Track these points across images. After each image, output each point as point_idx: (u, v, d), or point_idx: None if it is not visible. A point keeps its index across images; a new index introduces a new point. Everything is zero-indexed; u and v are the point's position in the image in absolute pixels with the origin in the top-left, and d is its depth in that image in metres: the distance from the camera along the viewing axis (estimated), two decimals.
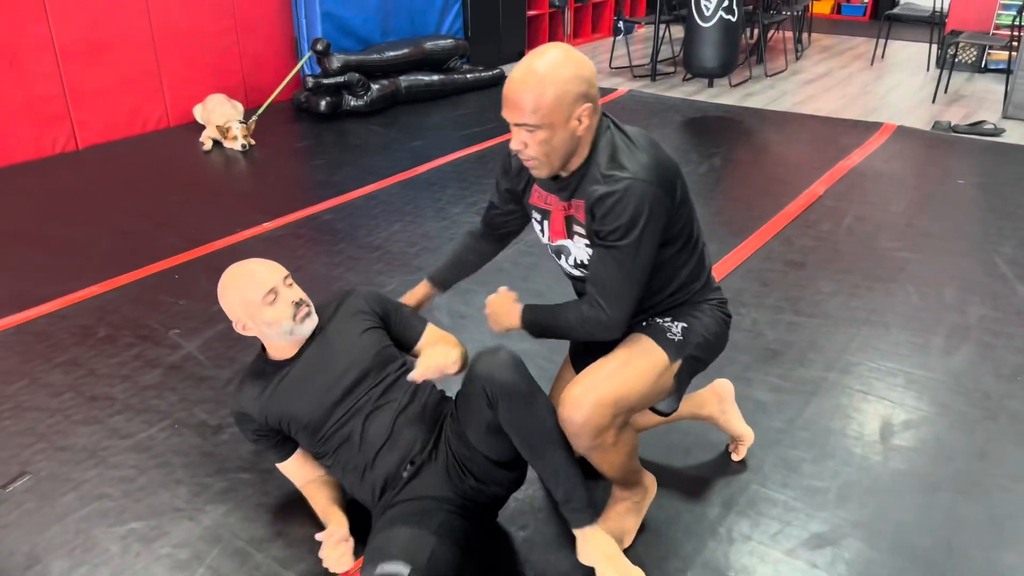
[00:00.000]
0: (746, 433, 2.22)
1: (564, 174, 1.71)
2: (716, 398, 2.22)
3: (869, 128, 5.32)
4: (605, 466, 1.80)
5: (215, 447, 2.30)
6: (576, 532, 1.76)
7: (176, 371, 2.65)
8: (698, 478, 2.17)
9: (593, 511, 1.75)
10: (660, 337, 1.78)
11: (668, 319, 1.82)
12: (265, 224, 3.86)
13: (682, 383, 1.83)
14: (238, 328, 1.89)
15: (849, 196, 4.16)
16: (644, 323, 1.82)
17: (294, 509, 2.05)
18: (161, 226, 3.86)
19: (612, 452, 1.75)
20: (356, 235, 3.76)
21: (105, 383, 2.61)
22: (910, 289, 3.17)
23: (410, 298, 2.12)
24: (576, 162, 1.68)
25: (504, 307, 1.87)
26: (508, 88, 1.60)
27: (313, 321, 1.90)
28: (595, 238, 1.67)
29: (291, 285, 1.88)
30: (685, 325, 1.81)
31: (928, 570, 1.86)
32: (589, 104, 1.61)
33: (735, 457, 2.22)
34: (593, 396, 1.66)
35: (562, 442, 1.70)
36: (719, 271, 3.32)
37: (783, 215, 3.91)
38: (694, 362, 1.83)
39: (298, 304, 1.86)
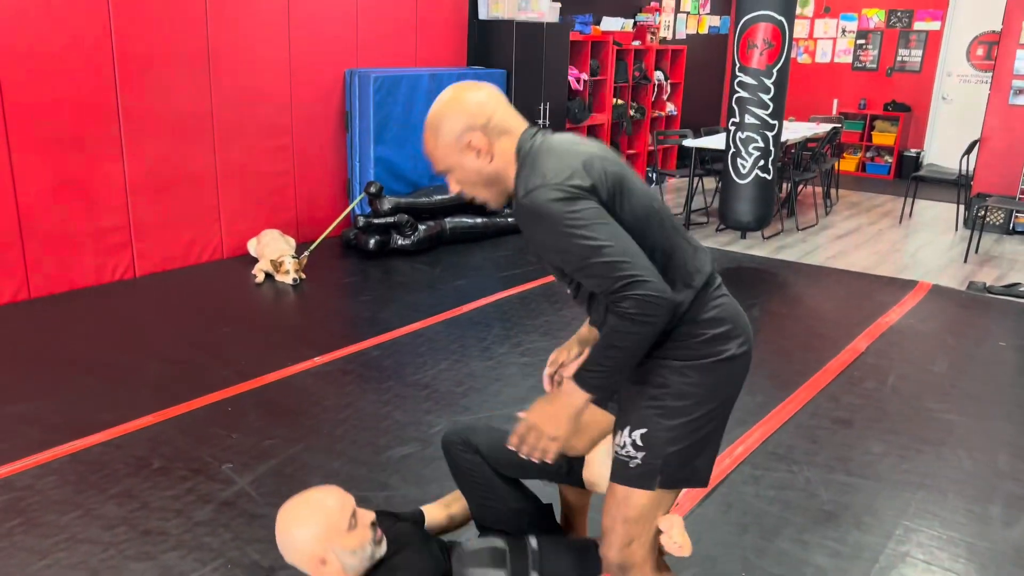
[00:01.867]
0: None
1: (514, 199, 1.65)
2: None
3: (904, 286, 5.40)
4: None
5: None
6: None
7: (229, 507, 2.65)
8: None
9: None
10: (622, 474, 1.67)
11: (625, 431, 1.66)
12: (315, 359, 3.94)
13: (678, 481, 1.70)
14: (313, 570, 1.75)
15: (890, 354, 4.19)
16: (617, 446, 1.70)
17: None
18: (213, 357, 3.95)
19: None
20: (403, 372, 3.82)
21: (158, 517, 2.61)
22: (961, 454, 3.15)
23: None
24: (511, 185, 1.66)
25: (549, 408, 1.62)
26: None
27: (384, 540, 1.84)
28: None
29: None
30: (643, 431, 1.64)
31: None
32: (476, 131, 1.61)
33: None
34: (616, 550, 1.70)
35: None
36: (768, 425, 3.32)
37: (826, 371, 3.93)
38: (677, 462, 1.66)
39: (374, 524, 1.80)
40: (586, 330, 1.92)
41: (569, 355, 1.90)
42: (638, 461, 1.65)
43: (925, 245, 6.67)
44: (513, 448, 1.65)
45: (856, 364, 4.04)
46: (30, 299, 4.69)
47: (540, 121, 7.25)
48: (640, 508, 1.68)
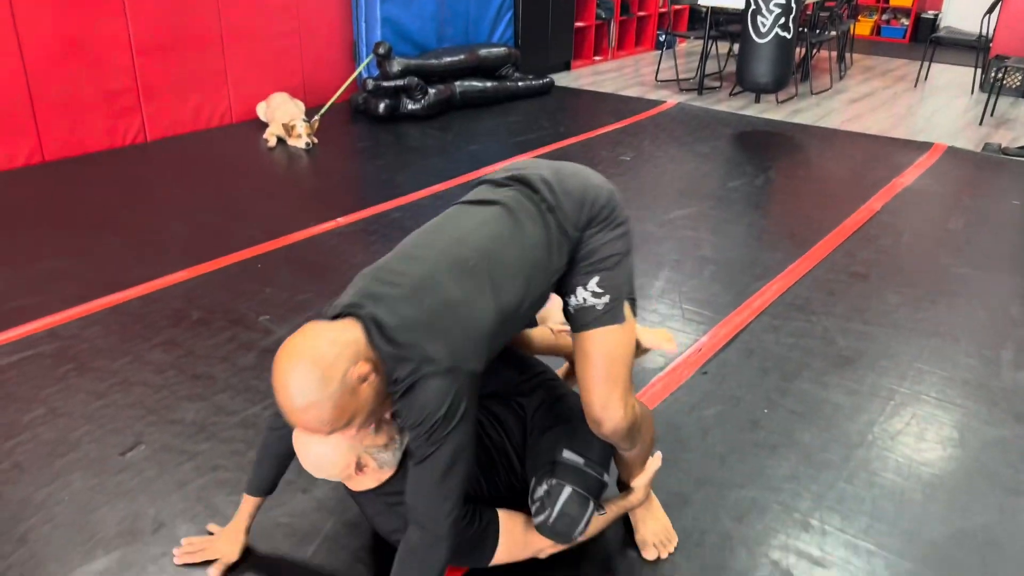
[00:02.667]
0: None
1: None
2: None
3: (920, 148, 5.38)
4: (641, 453, 1.87)
5: None
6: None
7: (270, 354, 2.72)
8: (790, 476, 2.24)
9: None
10: (593, 318, 1.67)
11: (580, 295, 1.67)
12: (338, 220, 3.97)
13: (633, 302, 1.75)
14: (353, 475, 1.69)
15: (905, 213, 4.23)
16: (567, 310, 1.71)
17: None
18: (236, 218, 3.98)
19: (645, 433, 1.83)
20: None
21: (204, 363, 2.71)
22: (975, 304, 3.24)
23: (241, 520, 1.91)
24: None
25: None
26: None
27: None
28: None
29: None
30: (596, 279, 1.66)
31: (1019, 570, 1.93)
32: (360, 373, 1.42)
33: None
34: (612, 409, 1.66)
35: None
36: (786, 279, 3.40)
37: (842, 228, 3.98)
38: (631, 294, 1.72)
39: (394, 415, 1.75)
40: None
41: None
42: (604, 302, 1.67)
43: (940, 108, 6.60)
44: None
45: (871, 222, 4.09)
46: (44, 162, 4.67)
47: None
48: (621, 339, 1.69)
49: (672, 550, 1.96)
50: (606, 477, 1.79)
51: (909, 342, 2.94)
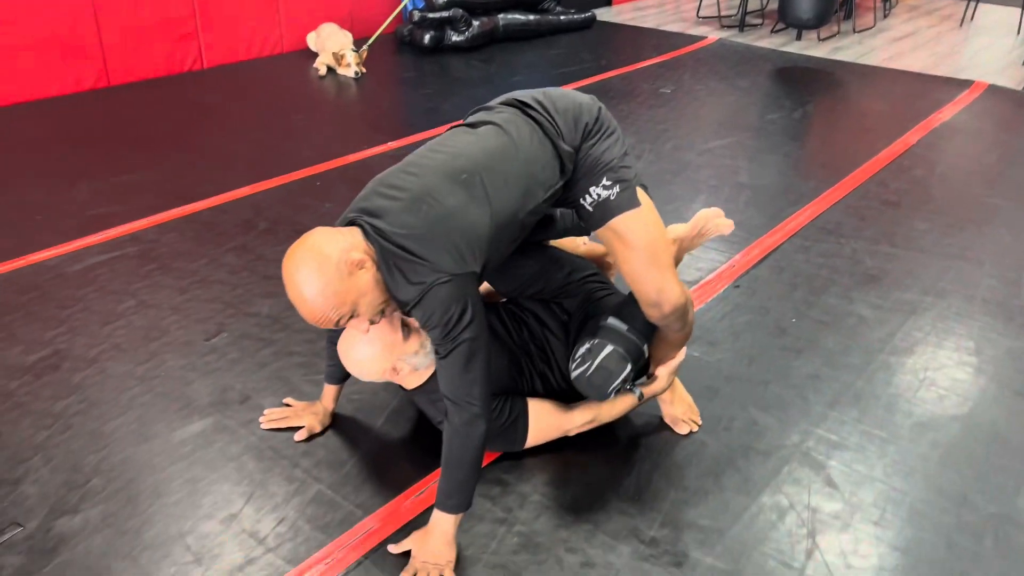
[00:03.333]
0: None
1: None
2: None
3: (960, 85, 5.41)
4: (682, 337, 2.03)
5: None
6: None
7: None
8: (812, 375, 2.44)
9: None
10: (610, 209, 1.79)
11: (594, 193, 1.80)
12: (389, 143, 4.17)
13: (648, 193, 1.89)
14: (392, 378, 1.94)
15: (941, 147, 4.32)
16: (584, 211, 1.83)
17: None
18: (292, 140, 4.19)
19: (691, 313, 1.99)
20: None
21: (275, 266, 2.91)
22: (1003, 231, 3.37)
23: (325, 401, 2.16)
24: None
25: (430, 542, 1.74)
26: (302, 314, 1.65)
27: None
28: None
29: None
30: (605, 178, 1.79)
31: None
32: (355, 260, 1.58)
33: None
34: (668, 290, 1.83)
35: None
36: (818, 205, 3.54)
37: (877, 160, 4.09)
38: (638, 179, 1.85)
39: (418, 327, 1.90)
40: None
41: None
42: (617, 191, 1.79)
43: (985, 48, 6.56)
44: None
45: (906, 155, 4.19)
46: (110, 86, 4.91)
47: None
48: (648, 219, 1.82)
49: (697, 426, 2.18)
50: (647, 349, 1.98)
51: (934, 264, 3.09)
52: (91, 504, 1.89)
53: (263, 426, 2.15)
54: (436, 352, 1.68)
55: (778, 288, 2.91)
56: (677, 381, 2.22)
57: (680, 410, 2.19)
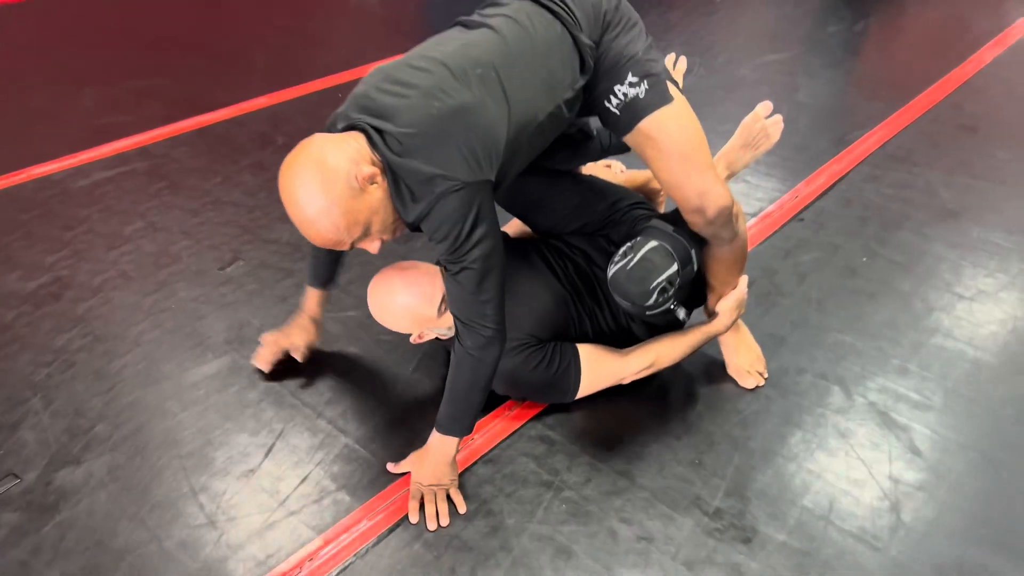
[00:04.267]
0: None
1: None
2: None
3: None
4: (734, 256, 1.81)
5: (409, 249, 2.41)
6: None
7: None
8: (888, 323, 2.20)
9: None
10: (642, 106, 1.58)
11: (620, 92, 1.58)
12: None
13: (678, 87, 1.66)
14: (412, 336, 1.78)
15: (1018, 65, 3.94)
16: (611, 116, 1.61)
17: None
18: (313, 46, 3.88)
19: (740, 225, 1.76)
20: None
21: None
22: None
23: (311, 310, 1.95)
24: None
25: (429, 464, 1.64)
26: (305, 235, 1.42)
27: None
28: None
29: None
30: (630, 74, 1.57)
31: None
32: (366, 175, 1.36)
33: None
34: (711, 193, 1.60)
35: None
36: (887, 129, 3.23)
37: (949, 79, 3.73)
38: (666, 72, 1.62)
39: None
40: None
41: None
42: (645, 87, 1.57)
43: None
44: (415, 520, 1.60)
45: (980, 74, 3.82)
46: None
47: None
48: (682, 115, 1.60)
49: (764, 379, 1.96)
50: (695, 257, 1.72)
51: (1019, 198, 2.80)
52: (95, 455, 1.72)
53: (257, 365, 1.94)
54: (445, 268, 1.49)
55: (846, 222, 2.63)
56: (742, 325, 1.99)
57: (746, 360, 1.97)
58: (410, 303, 1.68)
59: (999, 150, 3.12)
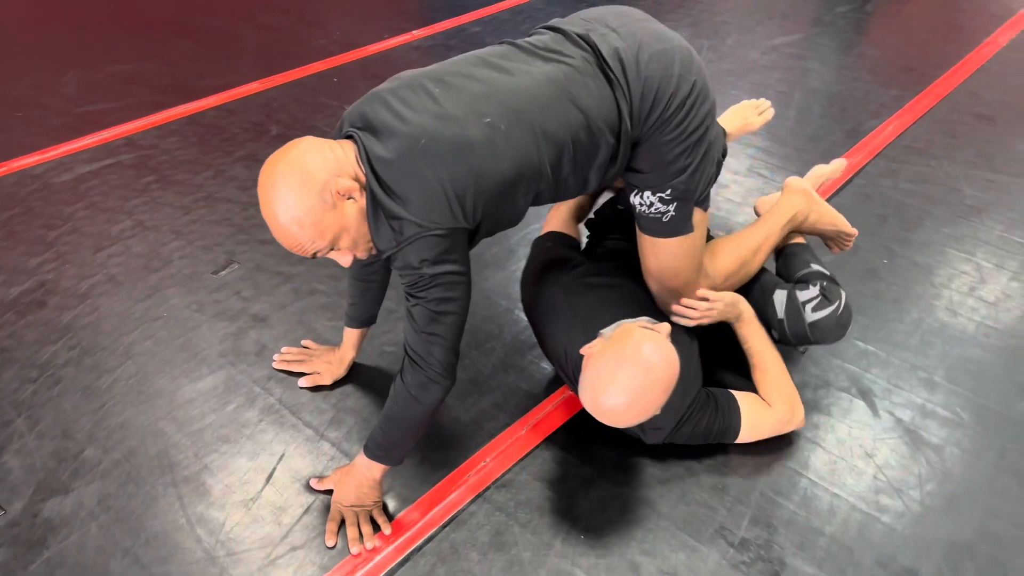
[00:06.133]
0: (838, 221, 2.04)
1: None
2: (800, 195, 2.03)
3: None
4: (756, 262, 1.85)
5: None
6: None
7: None
8: (913, 330, 2.11)
9: None
10: (658, 230, 1.57)
11: (647, 198, 1.54)
12: (413, 32, 3.70)
13: (705, 204, 1.61)
14: None
15: None
16: (639, 204, 1.56)
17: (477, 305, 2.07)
18: (307, 25, 3.73)
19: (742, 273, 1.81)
20: None
21: None
22: None
23: (345, 349, 1.88)
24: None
25: (353, 486, 1.56)
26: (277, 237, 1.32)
27: None
28: None
29: None
30: (669, 190, 1.52)
31: None
32: (342, 189, 1.28)
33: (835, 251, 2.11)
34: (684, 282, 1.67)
35: None
36: (904, 118, 3.12)
37: (964, 64, 3.62)
38: (704, 197, 1.58)
39: None
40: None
41: None
42: (672, 212, 1.54)
43: None
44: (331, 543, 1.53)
45: (996, 58, 3.70)
46: None
47: None
48: (690, 252, 1.62)
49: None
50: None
51: None
52: (84, 482, 1.62)
53: (274, 365, 1.86)
54: (406, 298, 1.39)
55: (866, 220, 2.53)
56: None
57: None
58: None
59: (1019, 141, 3.01)
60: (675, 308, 1.70)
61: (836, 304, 1.75)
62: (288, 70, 3.28)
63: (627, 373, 1.37)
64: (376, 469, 1.54)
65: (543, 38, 1.46)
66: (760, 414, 1.72)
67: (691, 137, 1.46)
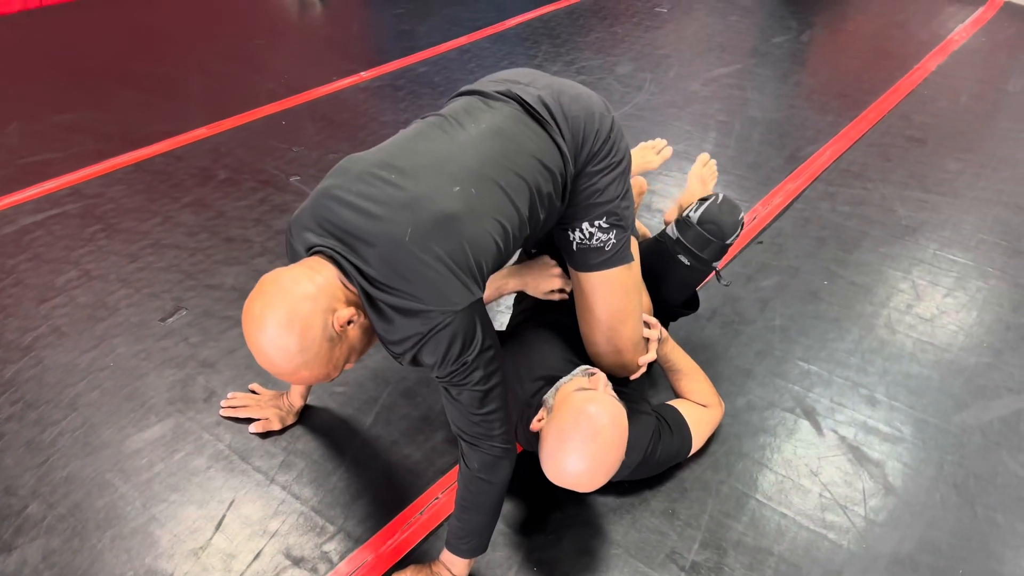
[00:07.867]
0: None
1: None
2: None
3: (974, 3, 5.04)
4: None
5: None
6: None
7: None
8: (854, 349, 2.17)
9: None
10: (600, 260, 1.57)
11: (586, 230, 1.55)
12: (361, 74, 3.74)
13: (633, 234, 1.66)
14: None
15: (961, 74, 3.98)
16: (567, 245, 1.58)
17: None
18: (254, 70, 3.75)
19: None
20: (455, 89, 3.64)
21: (237, 225, 2.59)
22: None
23: (294, 397, 1.89)
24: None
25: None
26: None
27: None
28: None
29: None
30: (605, 217, 1.54)
31: None
32: (343, 319, 1.21)
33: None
34: (621, 355, 1.69)
35: None
36: (839, 144, 3.22)
37: (896, 89, 3.76)
38: (633, 227, 1.63)
39: None
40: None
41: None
42: (612, 240, 1.55)
43: None
44: None
45: (926, 83, 3.85)
46: (42, 6, 4.37)
47: None
48: (629, 285, 1.63)
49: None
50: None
51: (972, 212, 2.81)
52: (28, 538, 1.59)
53: (221, 412, 1.85)
54: (444, 391, 1.34)
55: (805, 243, 2.61)
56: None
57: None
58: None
59: (949, 161, 3.13)
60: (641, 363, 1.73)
61: (712, 199, 1.80)
62: (235, 114, 3.29)
63: (577, 446, 1.38)
64: (461, 567, 1.48)
65: (464, 102, 1.46)
66: (702, 416, 1.81)
67: (619, 167, 1.52)
